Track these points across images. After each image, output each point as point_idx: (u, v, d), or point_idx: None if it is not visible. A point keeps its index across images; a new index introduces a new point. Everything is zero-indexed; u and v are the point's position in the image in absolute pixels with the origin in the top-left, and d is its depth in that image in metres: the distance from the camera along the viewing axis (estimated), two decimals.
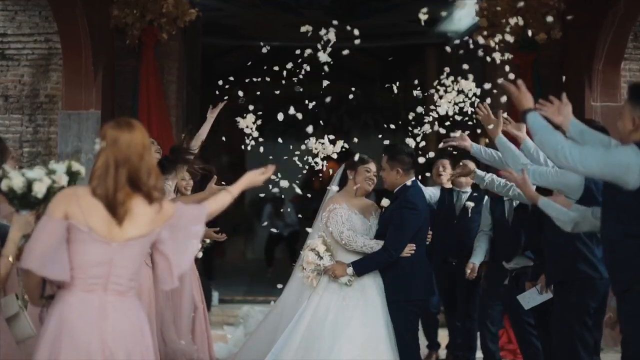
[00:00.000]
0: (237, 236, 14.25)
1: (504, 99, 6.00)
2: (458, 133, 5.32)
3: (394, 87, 5.80)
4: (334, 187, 5.51)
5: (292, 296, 5.36)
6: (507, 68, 5.19)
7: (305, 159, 5.52)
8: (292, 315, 5.20)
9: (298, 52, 5.37)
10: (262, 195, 12.58)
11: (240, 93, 5.72)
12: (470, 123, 5.44)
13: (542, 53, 8.48)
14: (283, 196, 12.13)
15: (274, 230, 12.09)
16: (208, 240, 6.29)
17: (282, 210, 12.56)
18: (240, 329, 8.40)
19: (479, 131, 6.65)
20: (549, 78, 8.53)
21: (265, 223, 12.36)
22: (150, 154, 3.13)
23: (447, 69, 5.39)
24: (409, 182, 5.24)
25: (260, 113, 5.53)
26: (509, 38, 5.50)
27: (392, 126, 5.61)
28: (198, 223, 3.23)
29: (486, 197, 6.56)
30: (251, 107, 5.51)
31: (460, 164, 6.07)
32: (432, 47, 11.64)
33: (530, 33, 8.40)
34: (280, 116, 5.54)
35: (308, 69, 5.44)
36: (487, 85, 5.43)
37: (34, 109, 8.27)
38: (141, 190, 3.08)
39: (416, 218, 5.12)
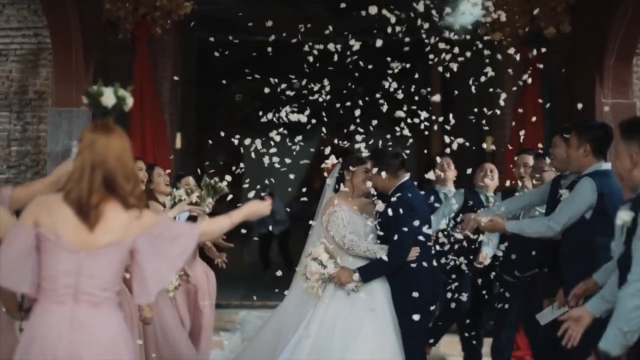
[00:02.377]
0: (233, 238, 14.22)
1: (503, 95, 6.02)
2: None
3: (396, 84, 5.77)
4: (329, 189, 5.47)
5: (295, 304, 5.31)
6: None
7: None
8: (295, 324, 5.15)
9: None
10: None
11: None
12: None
13: (551, 48, 8.45)
14: (269, 192, 12.08)
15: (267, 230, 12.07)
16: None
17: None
18: (237, 335, 8.38)
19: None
20: (558, 74, 8.51)
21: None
22: (129, 158, 3.10)
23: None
24: (401, 183, 5.21)
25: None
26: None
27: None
28: (186, 240, 3.14)
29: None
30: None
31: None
32: (436, 41, 11.59)
33: (538, 27, 8.41)
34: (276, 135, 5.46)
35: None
36: (483, 78, 5.44)
37: (23, 106, 8.24)
38: (118, 195, 3.05)
39: (414, 219, 5.08)
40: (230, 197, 5.88)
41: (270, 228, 12.55)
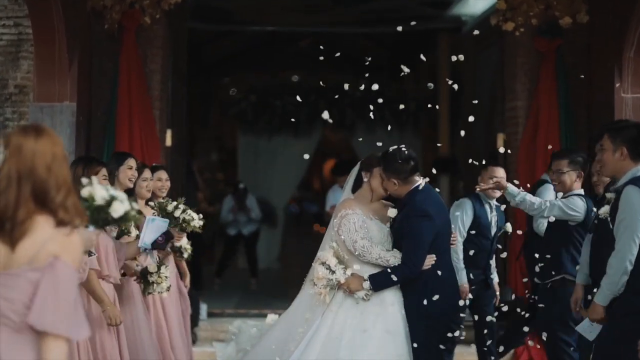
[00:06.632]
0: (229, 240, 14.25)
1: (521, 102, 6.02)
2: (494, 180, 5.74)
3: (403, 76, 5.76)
4: (347, 190, 5.45)
5: (302, 310, 5.30)
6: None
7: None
8: (301, 332, 5.14)
9: None
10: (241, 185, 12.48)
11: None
12: None
13: (567, 39, 8.45)
14: (243, 188, 12.07)
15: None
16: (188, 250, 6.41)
17: (245, 203, 12.32)
18: (232, 345, 8.34)
19: None
20: (575, 67, 8.50)
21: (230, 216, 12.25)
22: (61, 166, 2.97)
23: None
24: (415, 187, 5.17)
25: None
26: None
27: None
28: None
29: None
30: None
31: (488, 171, 6.28)
32: (444, 32, 11.64)
33: (553, 16, 8.41)
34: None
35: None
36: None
37: (3, 101, 8.23)
38: (48, 208, 2.91)
39: (429, 225, 5.04)
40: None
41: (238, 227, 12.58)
